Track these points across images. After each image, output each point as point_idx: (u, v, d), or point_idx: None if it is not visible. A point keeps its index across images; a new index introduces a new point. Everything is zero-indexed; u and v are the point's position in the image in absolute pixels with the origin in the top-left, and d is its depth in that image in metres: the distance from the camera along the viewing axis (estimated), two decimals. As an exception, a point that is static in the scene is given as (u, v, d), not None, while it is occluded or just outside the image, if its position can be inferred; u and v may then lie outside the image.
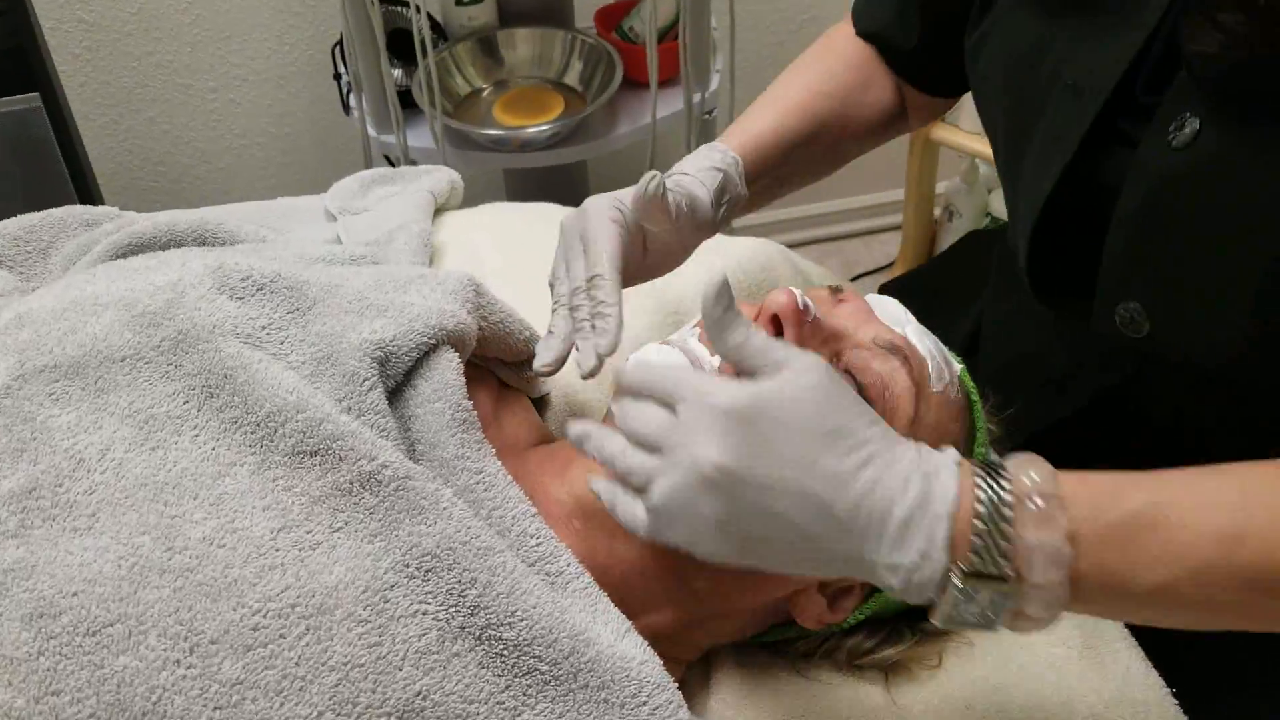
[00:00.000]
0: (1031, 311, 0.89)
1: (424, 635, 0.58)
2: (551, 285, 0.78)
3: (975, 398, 0.84)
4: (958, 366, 0.83)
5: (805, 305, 0.74)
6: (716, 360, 0.72)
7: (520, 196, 2.23)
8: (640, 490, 0.60)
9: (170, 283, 0.70)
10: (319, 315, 0.71)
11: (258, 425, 0.63)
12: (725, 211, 0.86)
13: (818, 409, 0.57)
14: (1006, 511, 0.55)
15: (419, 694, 0.57)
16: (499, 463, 0.70)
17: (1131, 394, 0.85)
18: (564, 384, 0.97)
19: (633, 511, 0.61)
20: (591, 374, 0.70)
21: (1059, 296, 0.82)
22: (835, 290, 0.83)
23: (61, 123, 1.65)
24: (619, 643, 0.64)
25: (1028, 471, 0.57)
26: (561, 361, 0.73)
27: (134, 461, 0.61)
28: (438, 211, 1.20)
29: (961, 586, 0.55)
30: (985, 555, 0.55)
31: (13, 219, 1.10)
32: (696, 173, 0.84)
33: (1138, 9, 0.70)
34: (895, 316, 0.81)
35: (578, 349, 0.72)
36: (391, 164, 1.82)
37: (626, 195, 0.77)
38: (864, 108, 0.98)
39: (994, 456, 0.82)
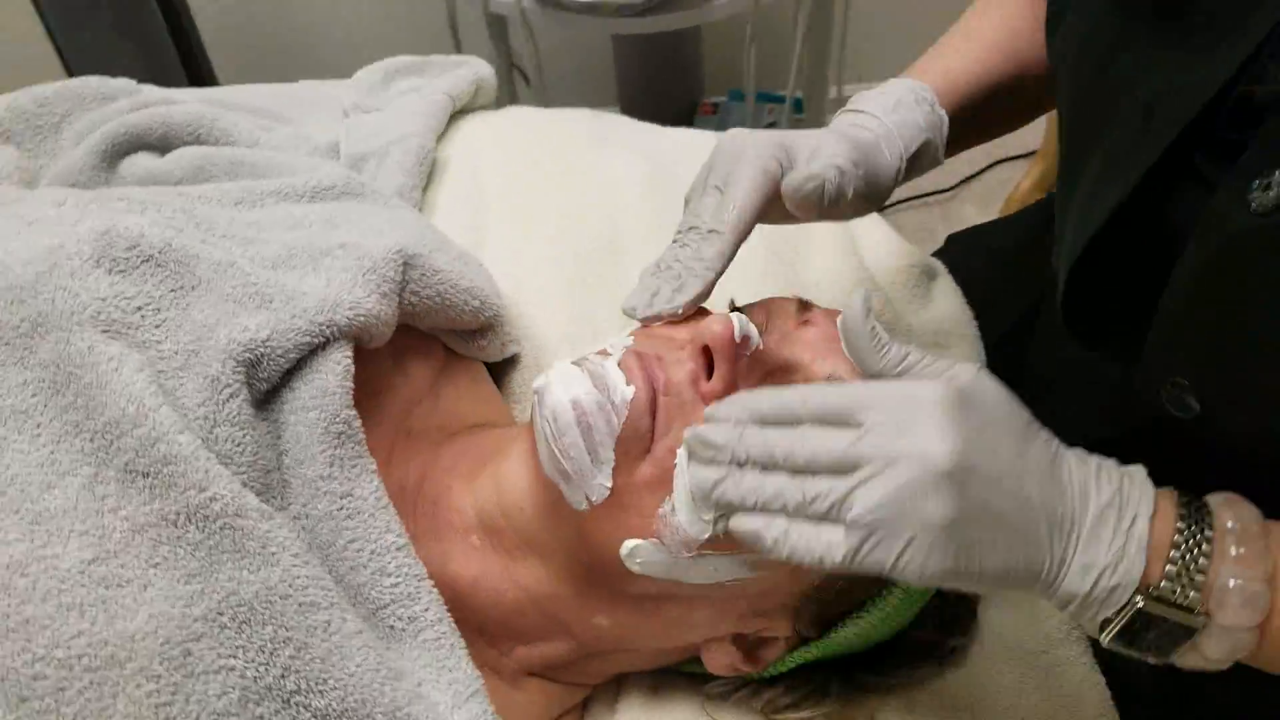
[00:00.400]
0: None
1: (224, 695, 0.54)
2: (686, 201, 0.72)
3: None
4: None
5: (744, 336, 0.65)
6: (630, 391, 0.64)
7: (629, 67, 2.12)
8: (823, 515, 0.53)
9: (49, 249, 0.65)
10: (200, 298, 0.66)
11: (96, 434, 0.59)
12: (903, 177, 0.75)
13: (1009, 402, 0.56)
14: (1205, 545, 0.54)
15: (207, 760, 0.53)
16: (375, 481, 0.65)
17: (1182, 461, 0.73)
18: (537, 342, 0.90)
19: (818, 539, 0.53)
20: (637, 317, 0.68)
21: (1097, 340, 0.70)
22: (804, 307, 0.72)
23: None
24: (452, 714, 0.59)
25: (1232, 509, 0.55)
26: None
27: None
28: (463, 111, 1.12)
29: (1142, 608, 0.53)
30: (1177, 582, 0.53)
31: (24, 90, 1.07)
32: (887, 133, 0.73)
33: (1236, 27, 0.56)
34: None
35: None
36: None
37: (799, 143, 0.69)
38: None
39: None
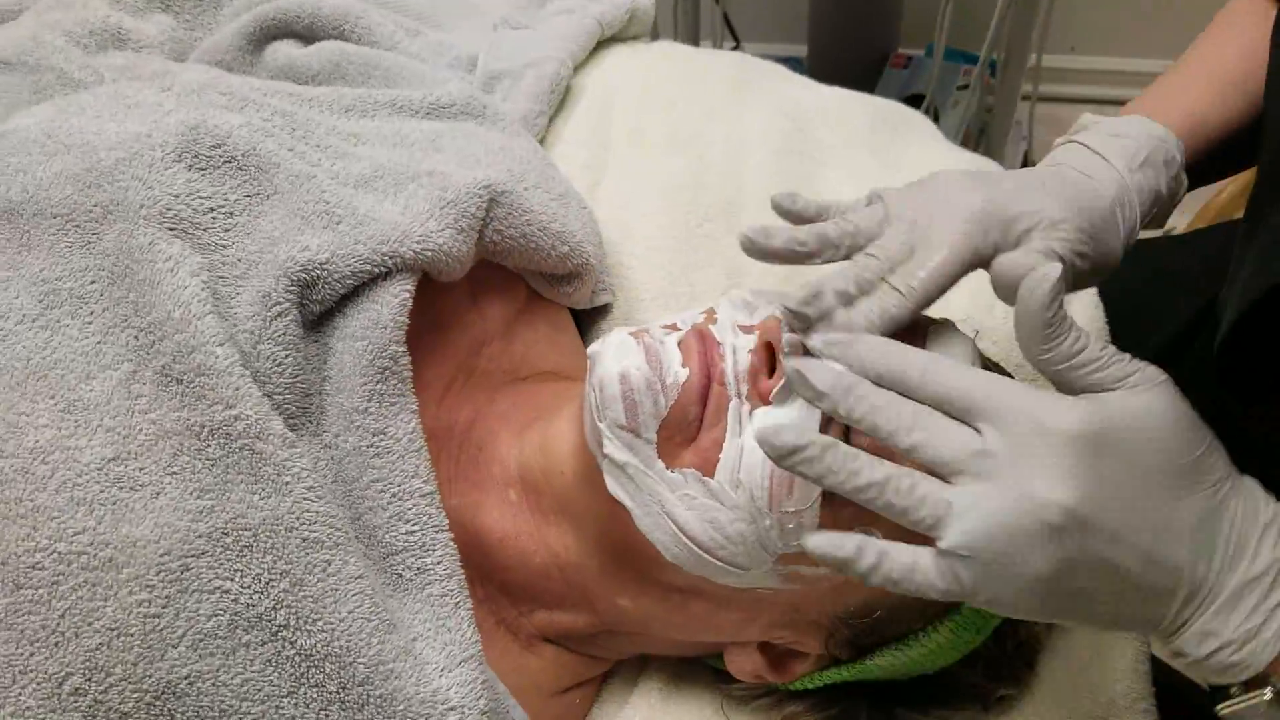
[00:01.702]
0: None
1: (214, 617, 0.54)
2: (821, 213, 0.62)
3: None
4: None
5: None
6: (684, 373, 0.60)
7: (823, 7, 2.01)
8: (915, 525, 0.48)
9: (135, 136, 0.65)
10: (274, 209, 0.65)
11: (141, 331, 0.59)
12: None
13: (1175, 439, 0.49)
14: None
15: (186, 678, 0.53)
16: (413, 422, 0.63)
17: None
18: (630, 295, 0.86)
19: (907, 561, 0.48)
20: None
21: (1250, 394, 0.62)
22: None
23: None
24: (441, 676, 0.58)
25: None
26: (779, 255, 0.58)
27: (19, 337, 0.59)
28: (613, 39, 1.08)
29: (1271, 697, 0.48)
30: None
31: (188, -42, 1.08)
32: (1125, 195, 0.61)
33: None
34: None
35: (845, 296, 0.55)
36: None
37: (1018, 208, 0.57)
38: None
39: None
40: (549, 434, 0.68)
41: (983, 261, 0.56)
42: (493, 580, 0.67)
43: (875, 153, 0.98)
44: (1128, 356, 0.50)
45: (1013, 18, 1.69)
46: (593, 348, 0.63)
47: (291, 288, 0.61)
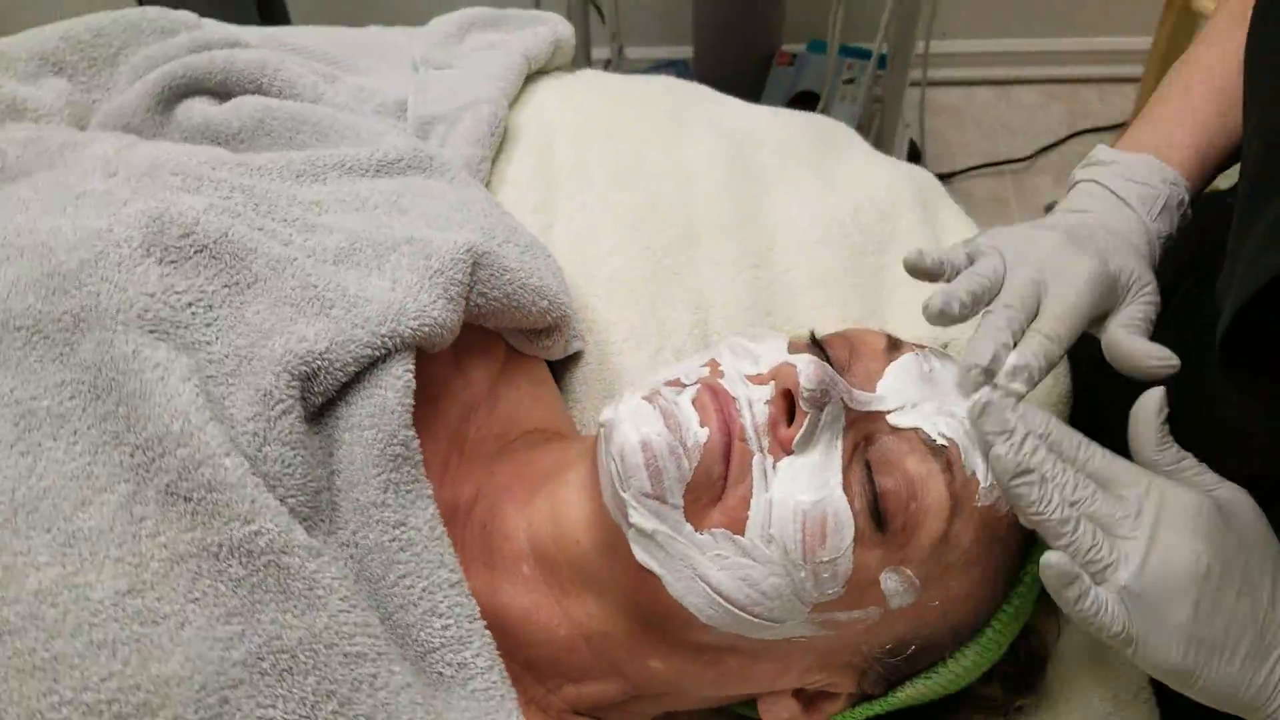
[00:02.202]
0: None
1: None
2: (939, 266, 0.68)
3: None
4: None
5: (831, 381, 0.59)
6: (704, 434, 0.59)
7: (706, 9, 2.01)
8: (1093, 564, 0.56)
9: (95, 233, 0.60)
10: (257, 297, 0.61)
11: (137, 448, 0.54)
12: None
13: (1264, 524, 0.58)
14: None
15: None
16: (431, 509, 0.60)
17: None
18: (601, 338, 0.85)
19: (1102, 597, 0.55)
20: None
21: (1259, 384, 0.63)
22: (894, 344, 0.66)
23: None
24: None
25: None
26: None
27: None
28: (539, 72, 1.05)
29: None
30: None
31: (80, 19, 1.01)
32: (1150, 244, 0.70)
33: None
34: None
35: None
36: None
37: (1118, 266, 0.66)
38: None
39: None
40: (557, 503, 0.66)
41: (1096, 314, 0.65)
42: (517, 659, 0.65)
43: (816, 170, 0.98)
44: (1215, 475, 0.59)
45: (900, 9, 1.72)
46: (605, 415, 0.61)
47: (293, 383, 0.58)
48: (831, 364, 0.63)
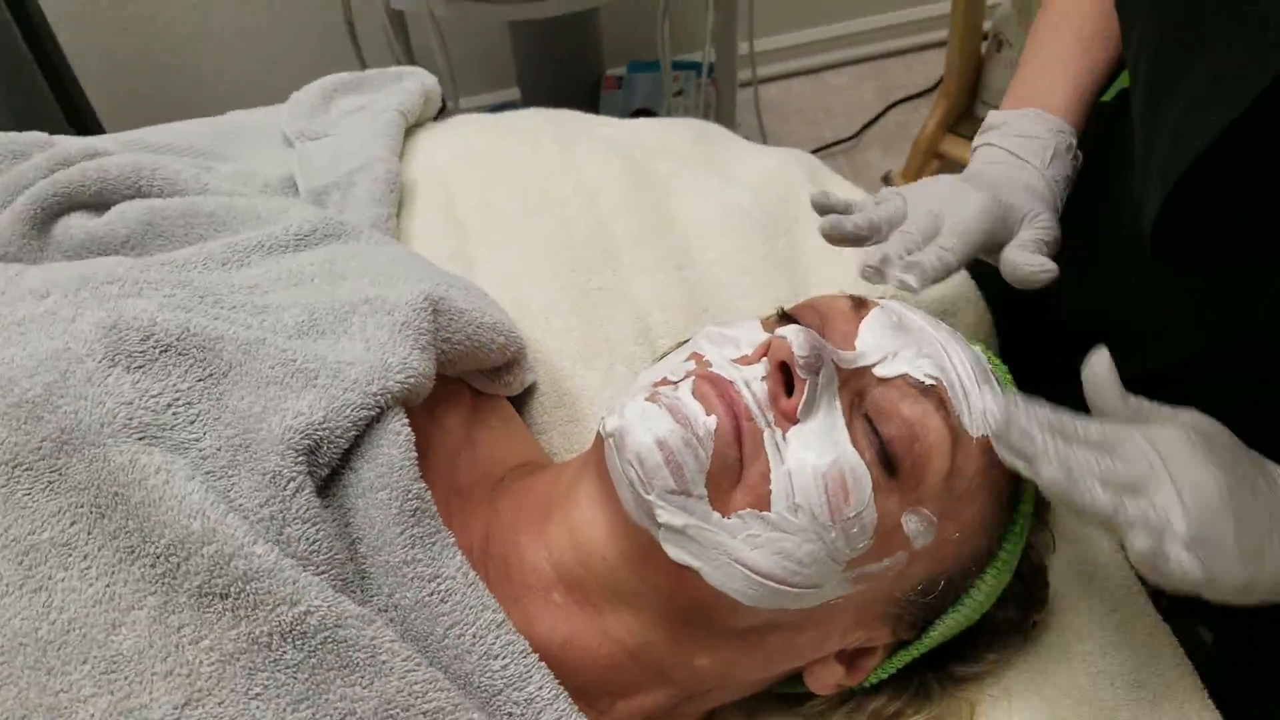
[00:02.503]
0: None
1: None
2: (825, 206, 0.76)
3: None
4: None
5: (820, 348, 0.61)
6: (712, 421, 0.60)
7: (527, 50, 2.03)
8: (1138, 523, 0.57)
9: (53, 354, 0.58)
10: (235, 385, 0.59)
11: (157, 558, 0.52)
12: None
13: (1232, 437, 0.61)
14: None
15: None
16: (459, 556, 0.59)
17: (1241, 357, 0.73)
18: (550, 365, 0.85)
19: (1178, 557, 0.56)
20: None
21: (1194, 265, 0.67)
22: (859, 303, 0.69)
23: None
24: None
25: None
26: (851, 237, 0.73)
27: (11, 611, 0.51)
28: (415, 126, 1.05)
29: None
30: None
31: (-79, 150, 0.96)
32: (1050, 189, 0.76)
33: None
34: (928, 334, 0.67)
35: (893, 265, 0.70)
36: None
37: (1012, 199, 0.73)
38: None
39: None
40: (573, 525, 0.66)
41: (992, 243, 0.71)
42: (568, 686, 0.64)
43: (708, 167, 1.00)
44: (1167, 408, 0.62)
45: (720, 18, 1.77)
46: (610, 425, 0.62)
47: (300, 459, 0.56)
48: None
